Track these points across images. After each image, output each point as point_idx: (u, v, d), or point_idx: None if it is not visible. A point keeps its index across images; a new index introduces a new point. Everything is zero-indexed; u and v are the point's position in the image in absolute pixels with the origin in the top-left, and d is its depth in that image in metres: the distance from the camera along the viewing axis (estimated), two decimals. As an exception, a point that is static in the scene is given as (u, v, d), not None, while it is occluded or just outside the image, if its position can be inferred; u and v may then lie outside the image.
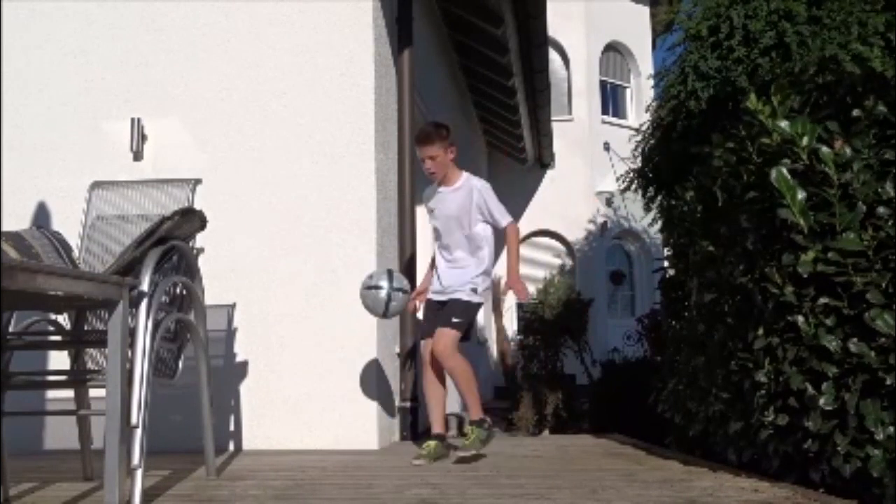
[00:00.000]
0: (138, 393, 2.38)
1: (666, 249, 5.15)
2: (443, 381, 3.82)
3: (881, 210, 2.68)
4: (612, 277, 13.72)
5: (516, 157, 11.95)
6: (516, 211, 12.63)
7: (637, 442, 4.58)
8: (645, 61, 14.32)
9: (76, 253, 3.01)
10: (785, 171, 2.79)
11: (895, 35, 4.39)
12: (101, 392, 2.36)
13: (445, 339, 3.68)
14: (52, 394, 3.88)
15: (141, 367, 2.43)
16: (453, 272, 3.84)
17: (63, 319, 2.97)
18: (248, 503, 2.61)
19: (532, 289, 10.00)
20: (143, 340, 2.46)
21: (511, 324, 12.41)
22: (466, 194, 3.82)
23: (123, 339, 2.33)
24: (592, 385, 8.65)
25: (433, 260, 4.01)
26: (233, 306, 4.34)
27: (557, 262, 13.10)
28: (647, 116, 6.28)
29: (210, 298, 3.21)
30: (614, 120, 13.91)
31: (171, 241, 2.74)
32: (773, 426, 2.83)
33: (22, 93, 4.67)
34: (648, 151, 6.00)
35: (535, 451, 4.26)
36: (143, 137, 4.55)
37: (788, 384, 2.73)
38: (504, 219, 3.83)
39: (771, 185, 2.81)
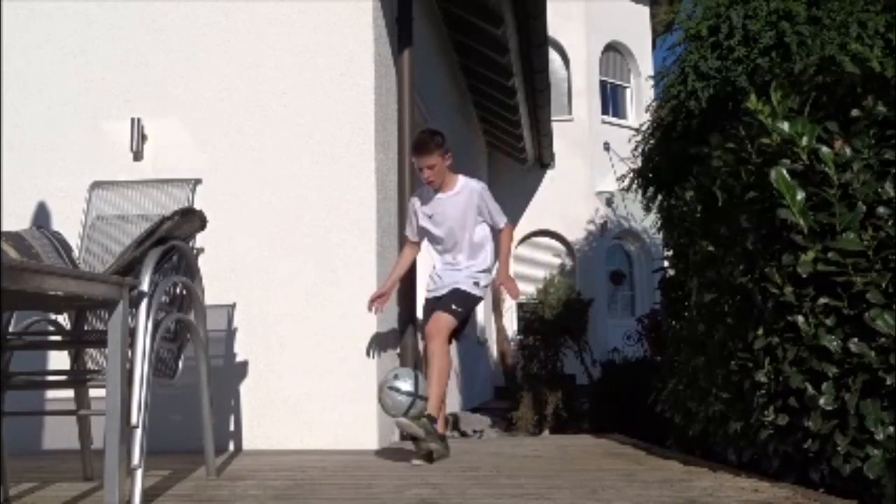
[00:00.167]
0: (138, 393, 2.38)
1: (666, 249, 5.15)
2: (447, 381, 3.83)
3: (881, 210, 2.68)
4: (612, 277, 13.72)
5: (516, 157, 11.95)
6: (516, 211, 12.64)
7: (637, 442, 4.58)
8: (645, 61, 14.32)
9: (76, 253, 3.01)
10: (784, 171, 2.79)
11: (895, 35, 4.39)
12: (101, 392, 2.36)
13: (441, 322, 3.70)
14: (52, 394, 3.88)
15: (141, 367, 2.43)
16: (454, 272, 3.87)
17: (63, 319, 2.97)
18: (248, 503, 2.61)
19: (532, 289, 10.01)
20: (143, 340, 2.46)
21: (511, 324, 12.41)
22: (468, 197, 3.84)
23: (123, 339, 2.33)
24: (592, 385, 8.65)
25: (400, 264, 4.07)
26: (233, 306, 4.34)
27: (557, 262, 13.10)
28: (647, 116, 6.28)
29: (210, 298, 3.21)
30: (614, 120, 13.91)
31: (171, 241, 2.74)
32: (773, 426, 2.83)
33: (22, 93, 4.67)
34: (648, 151, 5.99)
35: (535, 451, 4.26)
36: (143, 137, 4.55)
37: (788, 384, 2.73)
38: (502, 220, 3.93)
39: (771, 185, 2.81)
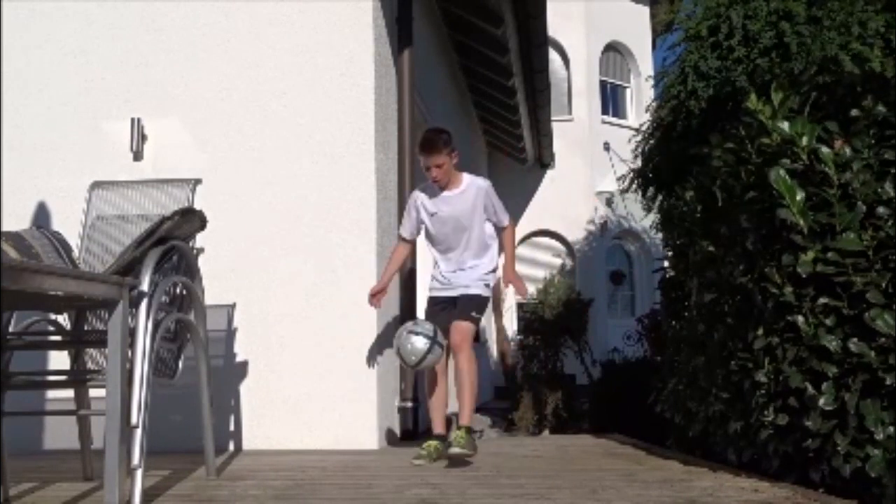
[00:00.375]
0: (138, 393, 2.38)
1: (666, 249, 5.15)
2: (445, 382, 3.82)
3: (881, 210, 2.68)
4: (612, 277, 13.71)
5: (516, 157, 11.95)
6: (516, 211, 12.64)
7: (637, 442, 4.58)
8: (645, 61, 14.32)
9: (76, 253, 3.01)
10: (784, 171, 2.79)
11: (895, 35, 4.39)
12: (101, 392, 2.36)
13: (465, 331, 3.70)
14: (52, 394, 3.88)
15: (141, 367, 2.43)
16: (462, 273, 3.84)
17: (63, 319, 2.97)
18: (248, 503, 2.61)
19: (532, 289, 10.00)
20: (143, 340, 2.46)
21: (511, 324, 12.41)
22: (474, 196, 3.82)
23: (123, 339, 2.33)
24: (592, 385, 8.65)
25: (394, 261, 4.01)
26: (233, 306, 4.34)
27: (557, 262, 13.10)
28: (647, 116, 6.29)
29: (210, 298, 3.21)
30: (614, 120, 13.91)
31: (171, 241, 2.74)
32: (773, 426, 2.83)
33: (22, 93, 4.67)
34: (648, 151, 6.00)
35: (535, 451, 4.26)
36: (143, 137, 4.55)
37: (788, 384, 2.73)
38: (506, 218, 3.94)
39: (771, 185, 2.81)
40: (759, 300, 2.92)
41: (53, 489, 2.88)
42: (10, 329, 2.77)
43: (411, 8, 5.06)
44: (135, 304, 2.47)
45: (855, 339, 2.60)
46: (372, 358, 4.31)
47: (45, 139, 4.62)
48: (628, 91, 14.45)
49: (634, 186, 6.56)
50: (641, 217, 9.26)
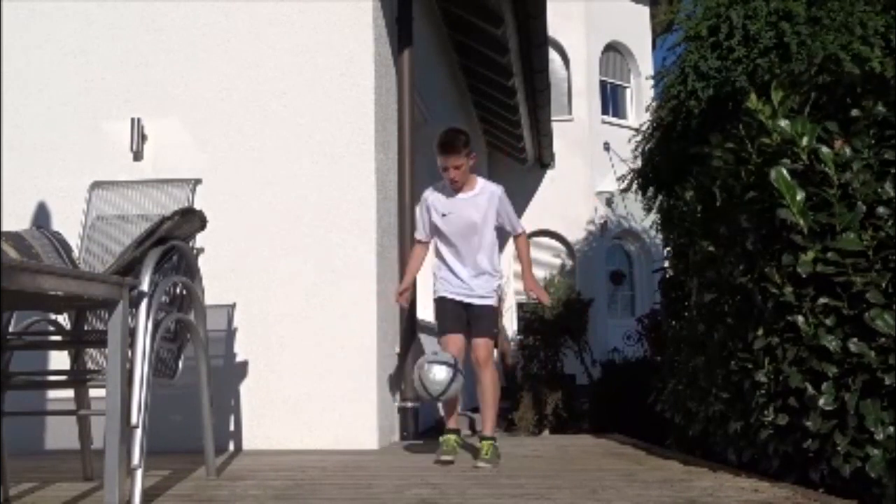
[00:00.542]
0: (138, 393, 2.38)
1: (666, 249, 5.15)
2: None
3: (881, 210, 2.68)
4: (612, 277, 13.71)
5: (516, 157, 11.95)
6: (516, 211, 12.54)
7: (637, 442, 4.58)
8: (645, 61, 14.31)
9: (76, 253, 3.01)
10: (784, 171, 2.80)
11: (895, 35, 4.39)
12: (101, 392, 2.36)
13: (489, 347, 3.78)
14: (52, 394, 3.88)
15: (141, 367, 2.43)
16: (479, 278, 3.82)
17: (63, 319, 2.97)
18: (248, 503, 2.61)
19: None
20: (143, 340, 2.46)
21: (511, 324, 12.40)
22: (488, 200, 3.80)
23: (123, 340, 2.33)
24: (592, 385, 8.65)
25: (414, 263, 4.00)
26: (233, 306, 4.34)
27: (557, 262, 13.10)
28: (647, 116, 6.29)
29: (210, 298, 3.21)
30: (614, 120, 13.90)
31: (171, 241, 2.74)
32: (773, 426, 2.84)
33: (22, 93, 4.67)
34: (648, 151, 6.00)
35: (535, 451, 4.26)
36: (143, 137, 4.55)
37: (788, 384, 2.73)
38: (520, 225, 3.94)
39: (771, 185, 2.81)
40: (759, 300, 2.92)
41: (53, 489, 2.88)
42: (10, 329, 2.77)
43: (411, 8, 5.06)
44: (135, 304, 2.47)
45: (855, 339, 2.60)
46: (372, 358, 4.31)
47: (45, 139, 4.62)
48: (628, 91, 14.45)
49: (634, 186, 6.57)
50: (641, 217, 9.25)
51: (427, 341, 5.63)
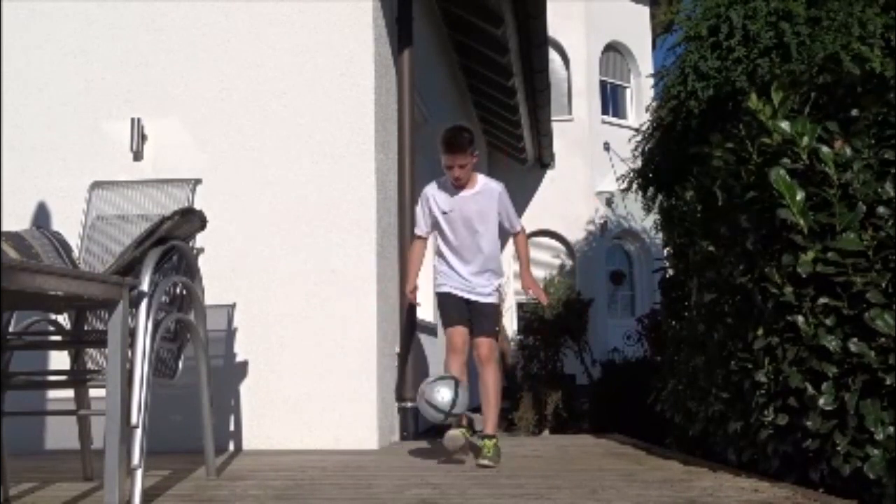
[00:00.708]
0: (138, 393, 2.38)
1: (666, 249, 5.15)
2: (464, 372, 3.84)
3: (881, 210, 2.68)
4: (612, 277, 13.71)
5: (516, 157, 11.95)
6: (516, 211, 12.55)
7: (637, 442, 4.58)
8: (645, 61, 14.32)
9: (76, 253, 3.01)
10: (784, 171, 2.80)
11: (895, 36, 4.39)
12: (101, 392, 2.36)
13: (491, 346, 3.80)
14: (52, 394, 3.88)
15: (141, 367, 2.43)
16: (481, 276, 3.83)
17: (63, 319, 2.97)
18: (248, 503, 2.61)
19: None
20: (143, 340, 2.46)
21: (511, 324, 12.41)
22: (489, 197, 3.81)
23: (123, 340, 2.33)
24: (592, 385, 8.66)
25: (415, 260, 3.98)
26: (233, 306, 4.34)
27: (557, 262, 13.10)
28: (647, 116, 6.28)
29: (210, 298, 3.21)
30: (614, 120, 13.91)
31: (171, 241, 2.74)
32: (773, 426, 2.83)
33: (22, 93, 4.67)
34: (648, 151, 6.00)
35: (535, 451, 4.26)
36: (143, 137, 4.55)
37: (788, 384, 2.73)
38: (518, 223, 3.94)
39: (771, 185, 2.81)
40: (759, 300, 2.92)
41: (53, 489, 2.88)
42: (10, 329, 2.77)
43: (411, 8, 5.06)
44: (135, 304, 2.47)
45: (855, 339, 2.60)
46: (372, 358, 4.31)
47: (45, 139, 4.62)
48: (628, 91, 14.45)
49: (634, 186, 6.57)
50: (641, 217, 9.26)
51: (427, 341, 5.64)
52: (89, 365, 2.97)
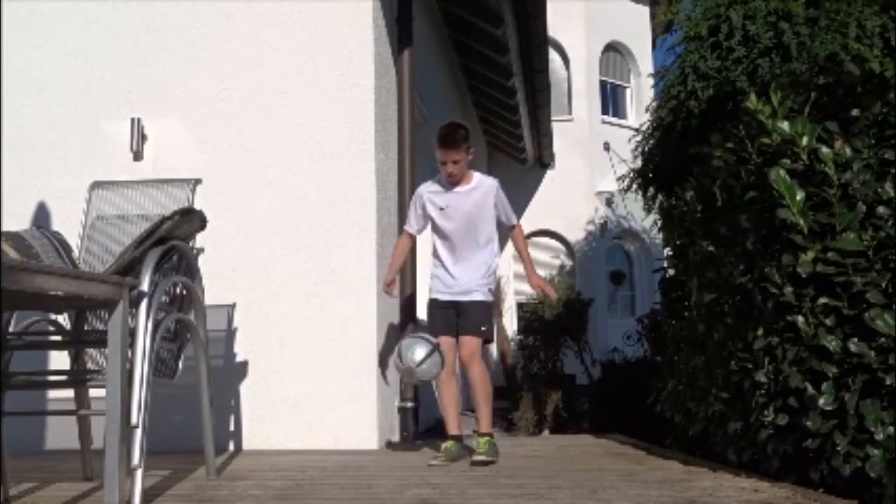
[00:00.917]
0: (138, 393, 2.38)
1: (666, 249, 5.15)
2: (455, 382, 3.83)
3: (881, 210, 2.68)
4: (612, 277, 13.71)
5: (516, 157, 11.94)
6: (516, 211, 12.45)
7: (637, 442, 4.58)
8: (645, 61, 14.31)
9: (76, 253, 3.01)
10: (784, 171, 2.79)
11: (894, 36, 4.39)
12: (101, 392, 2.36)
13: (474, 346, 3.74)
14: (52, 394, 3.88)
15: (141, 367, 2.43)
16: (467, 273, 3.81)
17: (63, 319, 2.97)
18: (248, 503, 2.61)
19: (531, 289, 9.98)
20: (143, 340, 2.46)
21: (511, 324, 12.41)
22: (485, 194, 3.82)
23: (123, 340, 2.33)
24: (592, 385, 8.65)
25: (397, 255, 4.02)
26: (233, 306, 4.35)
27: (557, 262, 13.09)
28: (647, 116, 6.28)
29: (210, 298, 3.21)
30: (614, 120, 13.90)
31: (171, 241, 2.74)
32: (773, 426, 2.83)
33: (22, 93, 4.67)
34: (648, 151, 6.00)
35: (535, 451, 4.26)
36: (143, 137, 4.55)
37: (788, 384, 2.73)
38: (514, 217, 3.95)
39: (770, 185, 2.81)
40: (759, 300, 2.92)
41: (53, 489, 2.89)
42: (10, 329, 2.77)
43: (411, 8, 5.06)
44: (135, 304, 2.47)
45: (855, 339, 2.60)
46: (372, 358, 4.31)
47: (45, 139, 4.62)
48: (628, 91, 14.45)
49: (634, 186, 6.56)
50: (641, 217, 9.25)
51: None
52: (89, 365, 2.98)
